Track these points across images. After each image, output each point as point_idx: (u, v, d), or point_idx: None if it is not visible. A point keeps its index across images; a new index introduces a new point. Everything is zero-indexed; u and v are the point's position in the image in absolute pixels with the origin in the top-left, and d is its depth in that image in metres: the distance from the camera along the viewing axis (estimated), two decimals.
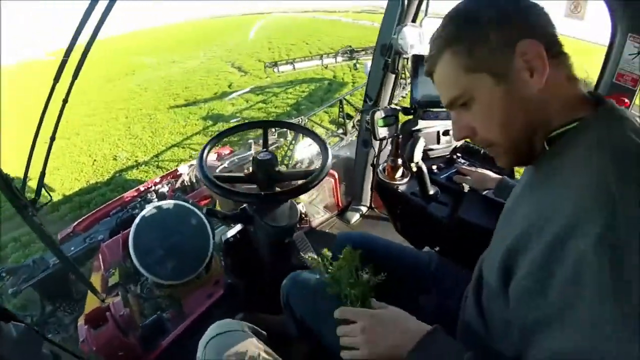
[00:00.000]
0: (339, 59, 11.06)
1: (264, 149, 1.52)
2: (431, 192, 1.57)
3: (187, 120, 9.36)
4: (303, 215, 2.26)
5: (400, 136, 1.61)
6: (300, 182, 1.38)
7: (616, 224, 0.48)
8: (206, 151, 1.41)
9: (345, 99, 7.19)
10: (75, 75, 1.49)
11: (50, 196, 1.84)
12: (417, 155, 1.46)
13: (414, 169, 1.49)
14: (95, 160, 7.72)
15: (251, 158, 1.52)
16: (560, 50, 0.67)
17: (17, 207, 1.55)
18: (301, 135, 5.89)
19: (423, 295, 1.16)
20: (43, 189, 1.75)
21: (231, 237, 1.58)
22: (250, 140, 4.61)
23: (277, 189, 1.46)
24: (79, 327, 1.85)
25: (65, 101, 1.59)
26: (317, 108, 8.05)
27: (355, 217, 2.58)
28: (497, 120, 0.68)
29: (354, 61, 11.23)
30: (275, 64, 10.67)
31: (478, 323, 0.80)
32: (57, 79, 1.46)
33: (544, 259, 0.54)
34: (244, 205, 1.51)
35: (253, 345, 1.03)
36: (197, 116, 9.57)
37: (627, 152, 0.56)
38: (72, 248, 3.07)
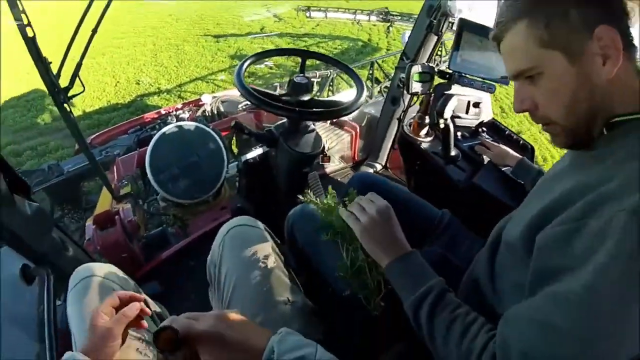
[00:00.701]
0: (373, 17, 10.95)
1: (301, 74, 1.52)
2: (452, 154, 1.59)
3: (214, 56, 9.24)
4: (326, 150, 2.27)
5: (432, 95, 1.61)
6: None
7: None
8: (245, 64, 1.42)
9: (377, 62, 7.04)
10: None
11: (84, 87, 1.84)
12: (448, 112, 1.46)
13: (442, 126, 1.50)
14: (118, 82, 7.70)
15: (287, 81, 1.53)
16: (632, 42, 0.65)
17: (50, 92, 1.57)
18: (330, 87, 5.83)
19: (429, 246, 1.17)
20: (78, 80, 1.76)
21: (251, 158, 1.60)
22: (275, 84, 4.55)
23: None
24: (87, 226, 1.91)
25: None
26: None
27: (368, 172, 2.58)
28: (562, 100, 0.67)
29: (388, 24, 11.03)
30: (308, 9, 10.61)
31: (485, 284, 0.85)
32: None
33: (578, 214, 0.57)
34: (271, 128, 1.52)
35: (269, 246, 1.07)
36: (224, 54, 9.43)
37: None
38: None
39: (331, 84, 5.86)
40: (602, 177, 0.59)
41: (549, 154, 6.07)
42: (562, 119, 0.69)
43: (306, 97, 1.48)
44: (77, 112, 6.24)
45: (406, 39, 2.22)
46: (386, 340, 0.98)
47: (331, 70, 5.60)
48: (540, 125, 0.74)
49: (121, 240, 1.77)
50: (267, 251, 1.04)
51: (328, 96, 5.50)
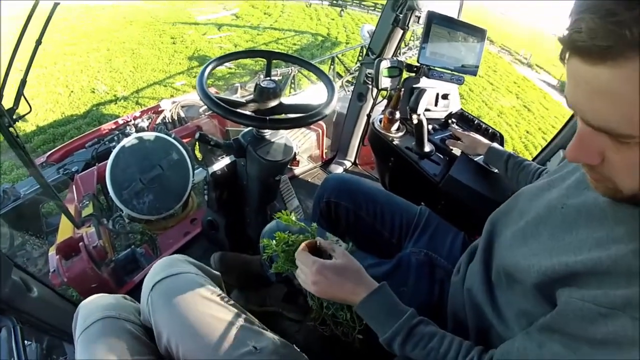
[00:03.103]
0: (325, 2, 11.51)
1: (268, 78, 1.43)
2: (427, 149, 1.58)
3: (171, 58, 9.00)
4: (296, 155, 2.16)
5: (402, 90, 1.58)
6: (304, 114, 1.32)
7: None
8: (207, 70, 1.31)
9: (338, 57, 7.07)
10: None
11: (31, 107, 1.71)
12: (422, 107, 1.43)
13: (415, 121, 1.48)
14: (72, 91, 7.36)
15: (253, 86, 1.41)
16: None
17: None
18: (292, 84, 5.76)
19: (412, 246, 1.14)
20: (23, 98, 1.64)
21: (219, 170, 1.53)
22: (236, 85, 4.44)
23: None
24: (50, 257, 1.78)
25: (57, 3, 1.52)
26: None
27: (338, 170, 2.56)
28: None
29: (340, 9, 11.70)
30: None
31: (483, 301, 0.78)
32: None
33: (617, 303, 0.50)
34: (238, 137, 1.44)
35: (210, 290, 0.89)
36: (182, 55, 9.21)
37: None
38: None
39: (292, 81, 5.81)
40: None
41: (508, 136, 6.25)
42: (629, 188, 0.53)
43: (274, 103, 1.40)
44: (30, 128, 5.95)
45: (365, 33, 2.20)
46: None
47: (292, 68, 5.54)
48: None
49: (88, 270, 1.67)
50: (210, 298, 0.87)
51: (290, 93, 5.43)
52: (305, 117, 1.28)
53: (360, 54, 7.51)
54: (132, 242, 2.63)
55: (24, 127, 5.90)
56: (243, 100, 1.37)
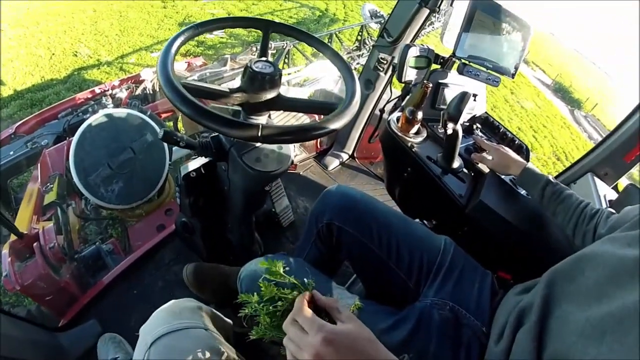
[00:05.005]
0: None
1: (263, 58, 1.03)
2: (455, 165, 1.29)
3: (160, 23, 8.55)
4: (294, 159, 1.73)
5: (430, 86, 1.28)
6: (317, 117, 0.98)
7: None
8: (178, 41, 0.95)
9: (336, 35, 6.74)
10: None
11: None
12: (464, 116, 1.15)
13: (449, 131, 1.18)
14: (53, 54, 6.91)
15: (242, 68, 1.00)
16: None
17: None
18: (285, 61, 5.42)
19: (432, 292, 0.91)
20: None
21: (193, 171, 1.20)
22: (226, 56, 4.10)
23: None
24: (2, 256, 1.54)
25: None
26: None
27: (334, 164, 2.34)
28: None
29: None
30: None
31: None
32: None
33: None
34: (219, 135, 1.11)
35: (218, 355, 0.72)
36: (172, 21, 8.76)
37: None
38: (11, 152, 2.64)
39: (287, 56, 5.43)
40: None
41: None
42: None
43: (270, 95, 1.00)
44: (7, 92, 5.60)
45: (366, 12, 1.92)
46: None
47: (287, 42, 5.18)
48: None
49: (44, 276, 1.44)
50: None
51: (283, 69, 5.06)
52: (315, 127, 0.89)
53: (360, 34, 7.13)
54: (103, 228, 2.39)
55: (2, 92, 5.56)
56: (226, 88, 0.99)
